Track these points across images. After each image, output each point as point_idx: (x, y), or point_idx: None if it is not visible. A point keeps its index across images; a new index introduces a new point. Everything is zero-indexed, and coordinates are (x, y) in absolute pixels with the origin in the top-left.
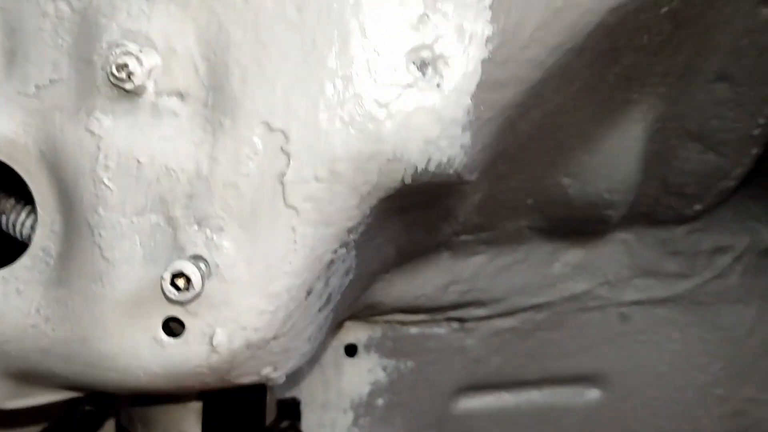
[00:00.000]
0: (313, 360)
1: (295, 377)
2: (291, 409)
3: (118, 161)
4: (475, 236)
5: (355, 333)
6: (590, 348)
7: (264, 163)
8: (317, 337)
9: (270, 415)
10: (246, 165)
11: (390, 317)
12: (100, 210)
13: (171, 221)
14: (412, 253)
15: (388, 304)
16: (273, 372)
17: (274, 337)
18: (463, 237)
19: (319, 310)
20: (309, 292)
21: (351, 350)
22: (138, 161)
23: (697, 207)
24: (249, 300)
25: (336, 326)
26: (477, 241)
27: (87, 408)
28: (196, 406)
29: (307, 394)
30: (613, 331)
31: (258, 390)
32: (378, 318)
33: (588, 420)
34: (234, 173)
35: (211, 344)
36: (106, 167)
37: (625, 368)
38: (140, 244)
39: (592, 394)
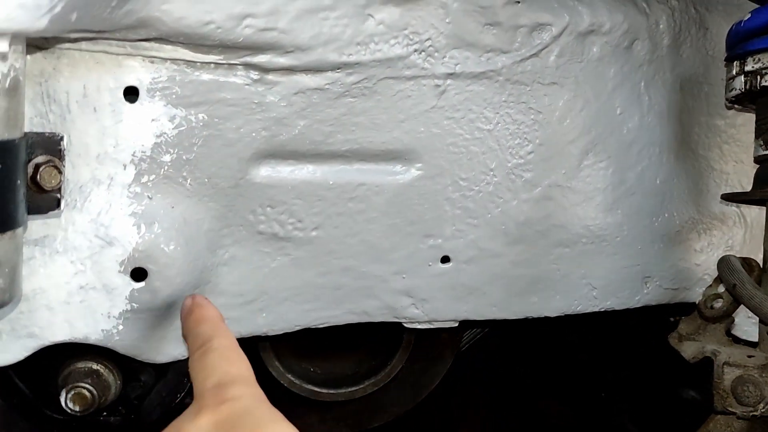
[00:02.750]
0: (85, 102)
1: (62, 120)
2: (49, 144)
3: None
4: None
5: (136, 73)
6: (403, 122)
7: None
8: None
9: None
10: None
11: (176, 54)
12: None
13: None
14: None
15: (168, 24)
16: None
17: None
18: None
19: None
20: None
21: (132, 94)
22: None
23: None
24: None
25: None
26: None
27: None
28: None
29: (78, 143)
30: (427, 105)
31: None
32: (162, 54)
33: (397, 198)
34: None
35: None
36: None
37: (437, 146)
38: None
39: (403, 172)
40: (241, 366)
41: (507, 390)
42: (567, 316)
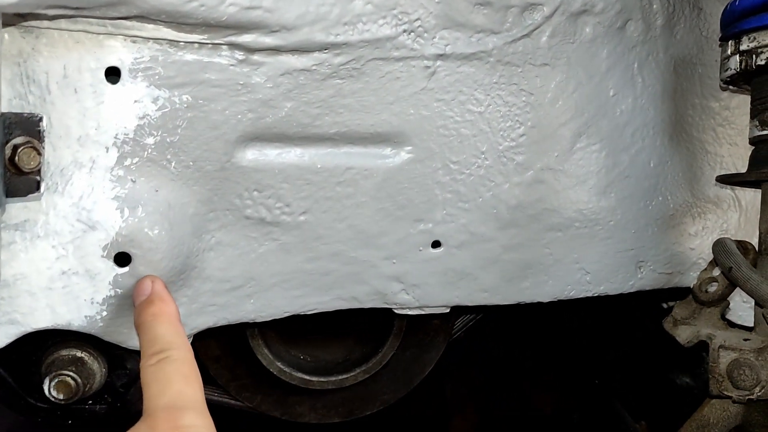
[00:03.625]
0: (66, 83)
1: (41, 102)
2: (28, 125)
3: None
4: None
5: (118, 53)
6: (392, 104)
7: None
8: None
9: None
10: None
11: (158, 33)
12: None
13: None
14: None
15: (149, 2)
16: None
17: None
18: None
19: None
20: None
21: (113, 74)
22: None
23: None
24: None
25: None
26: None
27: None
28: None
29: (58, 125)
30: (416, 87)
31: None
32: (143, 33)
33: (387, 182)
34: None
35: None
36: None
37: (427, 129)
38: None
39: (392, 155)
40: (195, 388)
41: (500, 376)
42: (560, 301)
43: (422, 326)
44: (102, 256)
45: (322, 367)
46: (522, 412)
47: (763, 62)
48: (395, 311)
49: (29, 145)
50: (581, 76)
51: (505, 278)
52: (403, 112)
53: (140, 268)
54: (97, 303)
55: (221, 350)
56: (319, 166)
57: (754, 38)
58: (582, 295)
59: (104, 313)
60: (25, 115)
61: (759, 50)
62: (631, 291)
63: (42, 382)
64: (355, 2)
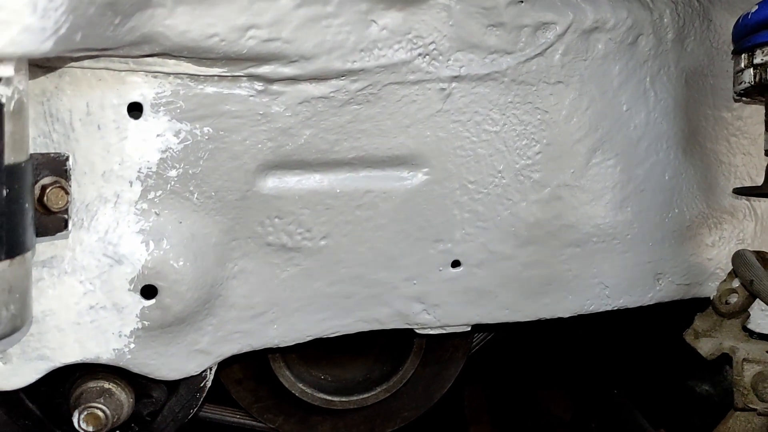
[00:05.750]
0: (89, 120)
1: (65, 139)
2: (55, 164)
3: None
4: None
5: (140, 89)
6: (408, 127)
7: None
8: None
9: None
10: None
11: (179, 68)
12: None
13: None
14: None
15: (171, 39)
16: None
17: None
18: None
19: None
20: None
21: (135, 110)
22: None
23: None
24: None
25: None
26: None
27: None
28: None
29: (83, 162)
30: (432, 109)
31: None
32: (165, 69)
33: (405, 204)
34: None
35: None
36: None
37: (444, 150)
38: None
39: (410, 177)
40: None
41: (516, 387)
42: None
43: (442, 343)
44: (129, 290)
45: (343, 386)
46: (539, 420)
47: None
48: (416, 331)
49: (57, 185)
50: (594, 92)
51: (525, 295)
52: (420, 134)
53: (167, 300)
54: (125, 336)
55: (243, 373)
56: (338, 190)
57: None
58: (602, 309)
59: (132, 346)
60: (52, 155)
61: None
62: (651, 303)
63: (71, 415)
64: (371, 29)
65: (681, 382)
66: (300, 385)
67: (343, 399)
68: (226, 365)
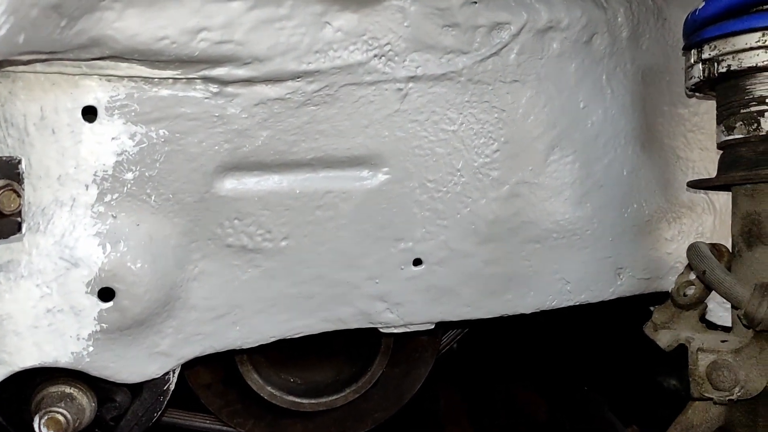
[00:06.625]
0: (43, 125)
1: (20, 144)
2: (7, 168)
3: None
4: None
5: (94, 93)
6: (366, 128)
7: None
8: None
9: None
10: None
11: (132, 71)
12: None
13: None
14: None
15: (121, 42)
16: None
17: None
18: None
19: None
20: None
21: (90, 113)
22: None
23: None
24: None
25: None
26: None
27: None
28: None
29: (38, 166)
30: (390, 110)
31: None
32: (118, 72)
33: (366, 204)
34: None
35: None
36: None
37: (403, 150)
38: None
39: (370, 177)
40: None
41: (492, 387)
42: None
43: (410, 343)
44: (86, 293)
45: (313, 388)
46: (516, 419)
47: (724, 70)
48: (381, 330)
49: (9, 188)
50: (551, 90)
51: (487, 292)
52: (378, 134)
53: (124, 302)
54: (83, 339)
55: (212, 377)
56: (298, 191)
57: (715, 47)
58: (564, 305)
59: (90, 349)
60: (4, 158)
61: (720, 58)
62: (612, 298)
63: (32, 420)
64: (326, 30)
65: (649, 377)
66: (269, 388)
67: (313, 401)
68: (193, 369)
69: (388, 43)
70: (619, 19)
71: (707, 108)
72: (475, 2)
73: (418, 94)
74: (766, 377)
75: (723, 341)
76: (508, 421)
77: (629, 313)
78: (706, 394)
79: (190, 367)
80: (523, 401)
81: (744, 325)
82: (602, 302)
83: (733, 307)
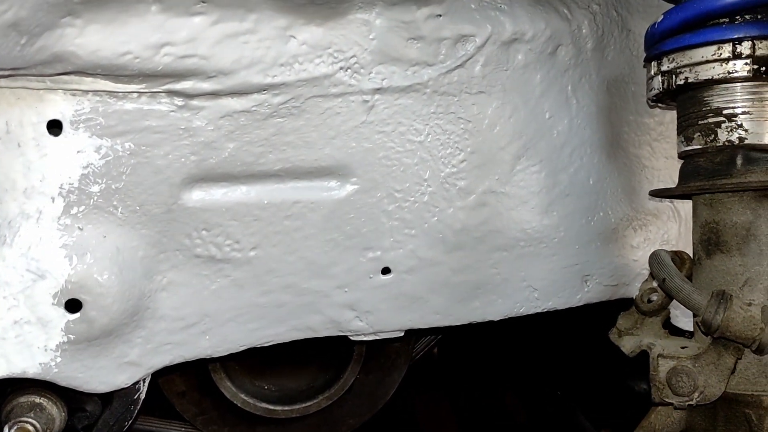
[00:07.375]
0: (9, 138)
1: None
2: None
3: None
4: None
5: (59, 107)
6: (333, 139)
7: None
8: None
9: None
10: None
11: (96, 86)
12: None
13: None
14: None
15: (83, 58)
16: None
17: None
18: None
19: None
20: None
21: (55, 127)
22: None
23: None
24: None
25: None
26: None
27: None
28: None
29: (4, 179)
30: (356, 121)
31: None
32: (82, 86)
33: (334, 214)
34: None
35: None
36: None
37: (370, 160)
38: None
39: (338, 187)
40: None
41: (469, 388)
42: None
43: (383, 350)
44: (53, 304)
45: (286, 395)
46: (496, 421)
47: (682, 82)
48: (351, 338)
49: None
50: (517, 101)
51: (456, 299)
52: (345, 145)
53: (92, 313)
54: (51, 350)
55: (186, 385)
56: (266, 201)
57: (673, 59)
58: (532, 312)
59: (58, 359)
60: None
61: (678, 70)
62: (579, 305)
63: (2, 430)
64: (290, 44)
65: (621, 381)
66: (242, 396)
67: (286, 408)
68: (167, 377)
69: (353, 56)
70: (584, 30)
71: (672, 117)
72: (440, 15)
73: (385, 105)
74: (724, 383)
75: (683, 347)
76: (489, 426)
77: (601, 318)
78: (667, 399)
79: (164, 375)
80: (503, 406)
81: (702, 332)
82: (575, 308)
83: (693, 315)
